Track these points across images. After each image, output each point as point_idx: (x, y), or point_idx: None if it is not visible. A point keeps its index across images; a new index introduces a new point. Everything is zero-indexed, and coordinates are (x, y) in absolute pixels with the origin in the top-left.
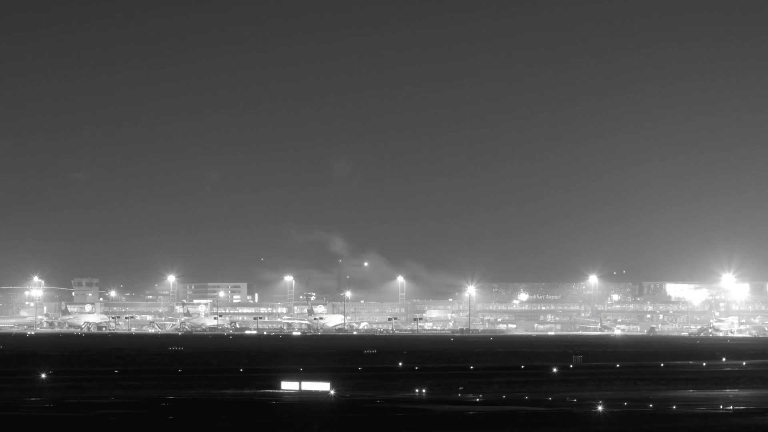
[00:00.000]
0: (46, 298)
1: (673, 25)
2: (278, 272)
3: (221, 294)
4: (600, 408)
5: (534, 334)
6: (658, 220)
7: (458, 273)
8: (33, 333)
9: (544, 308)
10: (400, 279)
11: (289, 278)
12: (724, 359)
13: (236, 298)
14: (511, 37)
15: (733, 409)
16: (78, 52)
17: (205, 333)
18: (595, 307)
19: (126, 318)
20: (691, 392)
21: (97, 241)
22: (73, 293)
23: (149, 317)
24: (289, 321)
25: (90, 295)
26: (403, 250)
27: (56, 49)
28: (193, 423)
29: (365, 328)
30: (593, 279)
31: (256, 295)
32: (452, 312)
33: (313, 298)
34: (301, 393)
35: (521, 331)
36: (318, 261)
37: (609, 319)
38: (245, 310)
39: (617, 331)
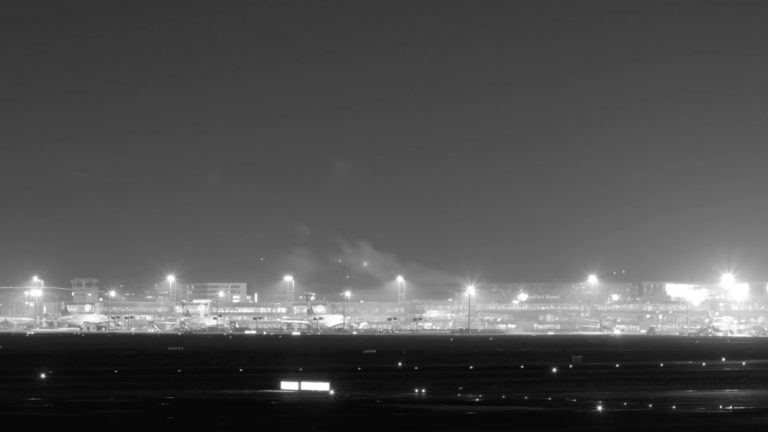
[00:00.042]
0: (46, 298)
1: (673, 35)
2: (278, 272)
3: (221, 294)
4: (600, 408)
5: (533, 334)
6: (659, 223)
7: (458, 273)
8: (32, 333)
9: (543, 308)
10: (400, 279)
11: (288, 278)
12: (723, 359)
13: (236, 298)
14: (515, 49)
15: (732, 409)
16: (80, 59)
17: (205, 333)
18: (594, 307)
19: (125, 318)
20: (690, 392)
21: (96, 241)
22: (73, 293)
23: (149, 317)
24: (289, 321)
25: (89, 295)
26: (403, 250)
27: (59, 56)
28: (193, 423)
29: (365, 328)
30: (593, 279)
31: (256, 295)
32: (452, 312)
33: (312, 298)
34: (301, 393)
35: (521, 331)
36: (318, 261)
37: (608, 319)
38: (245, 310)
39: (617, 331)
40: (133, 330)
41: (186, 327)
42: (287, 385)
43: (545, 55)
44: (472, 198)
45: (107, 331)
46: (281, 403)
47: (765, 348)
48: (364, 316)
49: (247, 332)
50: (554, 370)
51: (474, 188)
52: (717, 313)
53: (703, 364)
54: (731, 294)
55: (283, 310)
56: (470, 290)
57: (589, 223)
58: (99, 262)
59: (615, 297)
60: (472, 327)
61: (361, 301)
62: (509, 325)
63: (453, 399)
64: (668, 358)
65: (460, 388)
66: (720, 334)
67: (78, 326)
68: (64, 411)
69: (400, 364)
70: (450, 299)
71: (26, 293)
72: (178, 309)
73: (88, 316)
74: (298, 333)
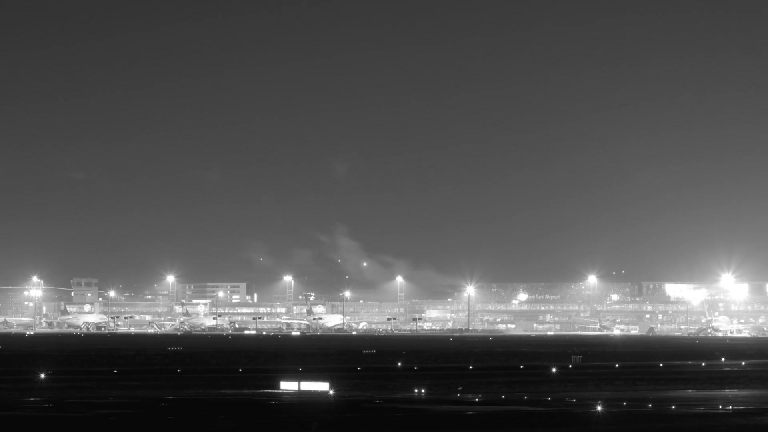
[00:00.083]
0: (46, 298)
1: (673, 37)
2: (277, 272)
3: (220, 294)
4: (599, 408)
5: (533, 334)
6: (658, 223)
7: (457, 273)
8: (32, 333)
9: (543, 308)
10: (399, 279)
11: (288, 278)
12: (723, 359)
13: (235, 298)
14: (514, 50)
15: (732, 409)
16: (80, 62)
17: (204, 333)
18: (594, 307)
19: (125, 318)
20: (690, 392)
21: (96, 242)
22: (72, 293)
23: (148, 317)
24: (288, 321)
25: (89, 295)
26: (403, 250)
27: (60, 60)
28: (193, 423)
29: (364, 328)
30: (592, 279)
31: (255, 295)
32: (451, 312)
33: (312, 298)
34: (301, 393)
35: (520, 331)
36: (317, 261)
37: (608, 319)
38: (244, 310)
39: (616, 331)
40: (132, 330)
41: (185, 327)
42: (287, 385)
43: (544, 57)
44: (472, 198)
45: (107, 331)
46: (281, 403)
47: (764, 348)
48: (364, 316)
49: (246, 332)
50: (554, 370)
51: (474, 189)
52: (716, 313)
53: (703, 364)
54: (731, 294)
55: (283, 310)
56: (470, 290)
57: (589, 223)
58: (99, 263)
59: (614, 297)
60: (471, 327)
61: (361, 301)
62: (509, 325)
63: (453, 399)
64: (668, 358)
65: (460, 388)
66: (719, 334)
67: (77, 326)
68: (64, 411)
69: (399, 364)
70: (449, 299)
71: (26, 293)
72: (178, 309)
73: (87, 316)
74: (298, 333)
